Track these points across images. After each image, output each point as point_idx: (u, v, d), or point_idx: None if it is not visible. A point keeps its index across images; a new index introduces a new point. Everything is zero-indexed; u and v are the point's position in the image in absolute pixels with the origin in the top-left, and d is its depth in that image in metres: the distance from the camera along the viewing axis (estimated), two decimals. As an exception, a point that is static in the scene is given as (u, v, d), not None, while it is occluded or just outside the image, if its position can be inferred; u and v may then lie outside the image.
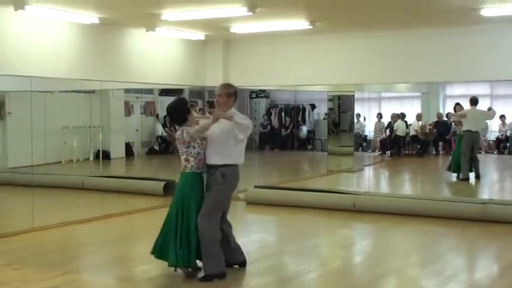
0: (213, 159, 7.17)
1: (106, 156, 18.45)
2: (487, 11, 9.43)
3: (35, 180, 12.51)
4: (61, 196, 13.68)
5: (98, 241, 9.60)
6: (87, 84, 13.36)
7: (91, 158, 17.97)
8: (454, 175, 15.97)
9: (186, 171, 7.15)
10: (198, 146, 7.10)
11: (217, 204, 7.24)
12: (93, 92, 17.62)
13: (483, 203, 10.80)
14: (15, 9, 8.96)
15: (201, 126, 7.14)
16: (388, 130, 22.94)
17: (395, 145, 22.70)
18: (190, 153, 7.10)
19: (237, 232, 10.74)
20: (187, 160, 7.11)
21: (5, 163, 16.49)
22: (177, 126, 7.35)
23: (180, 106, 7.32)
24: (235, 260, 7.61)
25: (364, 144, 23.20)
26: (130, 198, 12.94)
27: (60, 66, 10.30)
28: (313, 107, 25.26)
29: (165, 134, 21.18)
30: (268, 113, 25.73)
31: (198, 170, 7.15)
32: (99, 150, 17.23)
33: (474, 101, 15.64)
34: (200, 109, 19.20)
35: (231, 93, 7.24)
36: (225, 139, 7.13)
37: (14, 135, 16.37)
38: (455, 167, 15.97)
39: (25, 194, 11.66)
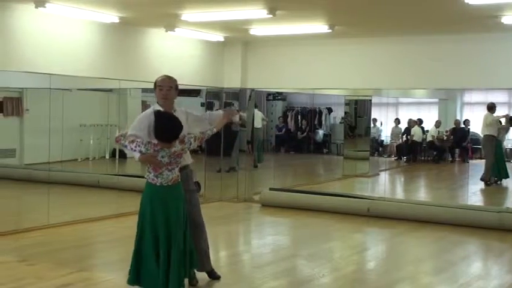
0: (189, 159, 6.82)
1: (122, 155, 18.49)
2: (507, 19, 9.38)
3: (51, 177, 12.56)
4: (76, 194, 13.74)
5: (112, 239, 9.63)
6: (105, 83, 13.42)
7: (107, 156, 18.03)
8: (472, 182, 16.04)
9: (179, 179, 6.35)
10: None
11: None
12: (110, 90, 17.69)
13: (498, 212, 10.75)
14: (36, 7, 9.02)
15: (219, 124, 6.77)
16: (404, 136, 22.85)
17: (412, 151, 22.62)
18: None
19: (251, 234, 10.80)
20: (179, 169, 6.37)
21: (22, 159, 16.59)
22: (133, 142, 6.21)
23: (177, 121, 6.29)
24: None
25: (380, 149, 23.11)
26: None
27: (79, 64, 10.33)
28: (329, 110, 25.21)
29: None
30: (285, 115, 25.68)
31: None
32: (115, 149, 17.28)
33: (488, 107, 16.09)
34: (217, 110, 19.20)
35: (177, 85, 6.89)
36: None
37: (31, 132, 16.47)
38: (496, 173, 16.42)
39: (41, 190, 11.72)
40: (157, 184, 6.21)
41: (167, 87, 6.71)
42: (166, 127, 6.15)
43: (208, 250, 7.08)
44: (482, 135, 16.46)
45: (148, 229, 6.26)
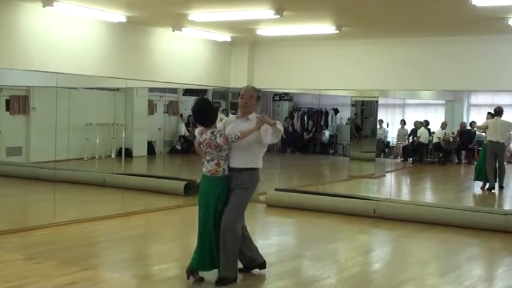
0: (240, 162, 7.09)
1: (128, 154, 18.54)
2: (514, 21, 9.38)
3: (57, 175, 12.57)
4: (82, 192, 13.75)
5: (117, 238, 9.64)
6: (112, 82, 13.45)
7: (113, 155, 18.08)
8: (477, 184, 16.03)
9: (218, 175, 7.03)
10: (228, 149, 7.02)
11: (244, 207, 7.32)
12: (117, 89, 17.75)
13: (504, 214, 10.73)
14: (44, 6, 9.04)
15: (245, 132, 6.99)
16: (411, 137, 22.86)
17: (418, 152, 22.63)
18: (221, 156, 7.00)
19: (256, 234, 10.76)
20: (218, 164, 7.00)
21: (28, 158, 16.63)
22: (197, 128, 7.36)
23: (211, 108, 7.20)
24: (257, 262, 7.61)
25: (387, 150, 23.13)
26: (151, 196, 12.98)
27: (86, 63, 10.35)
28: (336, 111, 25.24)
29: (187, 133, 21.17)
30: (291, 116, 25.72)
31: (226, 172, 7.08)
32: (121, 148, 17.32)
33: (496, 112, 15.72)
34: (223, 110, 19.21)
35: (259, 96, 7.37)
36: (252, 142, 7.13)
37: (37, 130, 16.52)
38: (478, 176, 16.07)
39: (47, 189, 11.76)
40: (203, 173, 7.13)
41: (248, 97, 7.24)
42: (198, 110, 7.11)
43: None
44: (493, 141, 15.58)
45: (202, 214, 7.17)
